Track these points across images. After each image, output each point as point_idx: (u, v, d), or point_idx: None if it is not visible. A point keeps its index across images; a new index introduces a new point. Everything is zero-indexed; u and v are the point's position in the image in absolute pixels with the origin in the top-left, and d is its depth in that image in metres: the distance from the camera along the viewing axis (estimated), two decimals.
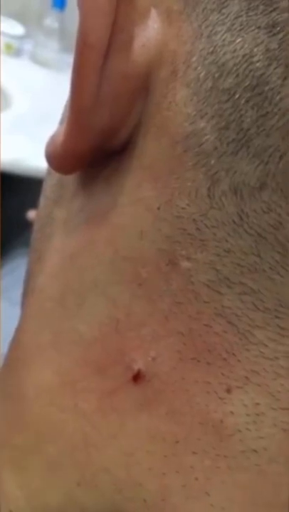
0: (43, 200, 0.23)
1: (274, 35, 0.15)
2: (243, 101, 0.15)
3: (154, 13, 0.17)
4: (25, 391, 0.19)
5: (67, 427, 0.17)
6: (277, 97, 0.14)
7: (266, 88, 0.14)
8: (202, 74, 0.16)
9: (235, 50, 0.15)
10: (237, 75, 0.15)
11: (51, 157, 0.18)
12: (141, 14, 0.17)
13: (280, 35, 0.14)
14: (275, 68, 0.14)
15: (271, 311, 0.15)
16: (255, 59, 0.15)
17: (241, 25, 0.15)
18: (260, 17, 0.15)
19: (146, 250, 0.16)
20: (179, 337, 0.16)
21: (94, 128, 0.17)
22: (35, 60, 1.28)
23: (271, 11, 0.15)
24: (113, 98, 0.17)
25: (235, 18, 0.15)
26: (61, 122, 0.21)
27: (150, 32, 0.17)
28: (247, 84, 0.15)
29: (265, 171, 0.15)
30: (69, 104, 0.17)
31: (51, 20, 1.27)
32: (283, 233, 0.15)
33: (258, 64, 0.15)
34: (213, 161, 0.15)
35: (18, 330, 0.21)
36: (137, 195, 0.17)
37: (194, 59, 0.16)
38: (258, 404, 0.16)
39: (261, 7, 0.15)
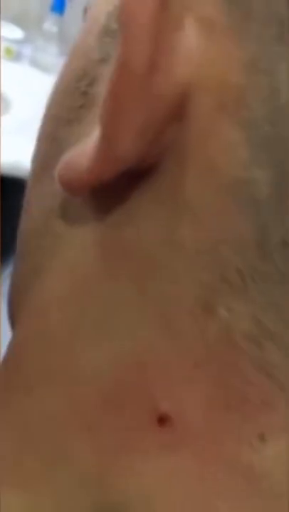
0: (34, 209, 0.21)
1: None
2: None
3: (189, 20, 0.15)
4: (29, 419, 0.18)
5: (80, 458, 0.17)
6: None
7: None
8: (260, 117, 0.14)
9: None
10: None
11: (71, 184, 0.17)
12: (175, 21, 0.14)
13: None
14: None
15: None
16: None
17: None
18: None
19: (178, 294, 0.15)
20: (211, 384, 0.15)
21: (126, 156, 0.15)
22: (35, 64, 1.27)
23: None
24: (146, 123, 0.15)
25: None
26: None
27: (186, 45, 0.14)
28: None
29: None
30: (101, 131, 0.15)
31: (50, 25, 1.26)
32: None
33: None
34: (265, 213, 0.14)
35: (16, 352, 0.19)
36: (171, 234, 0.15)
37: (250, 96, 0.14)
38: None
39: None
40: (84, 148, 0.16)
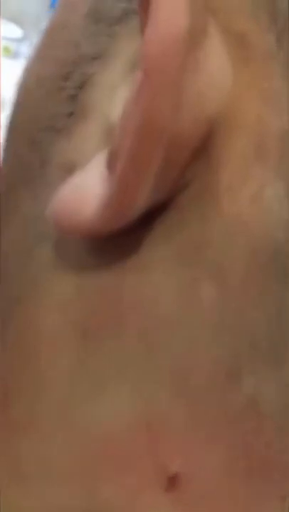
0: (14, 228, 0.18)
1: None
2: None
3: (216, 38, 0.12)
4: (24, 468, 0.16)
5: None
6: None
7: None
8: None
9: None
10: None
11: (72, 228, 0.14)
12: (196, 38, 0.12)
13: None
14: None
15: None
16: None
17: None
18: None
19: (198, 357, 0.14)
20: (230, 449, 0.14)
21: (142, 204, 0.13)
22: None
23: None
24: (166, 165, 0.13)
25: None
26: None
27: (211, 70, 0.12)
28: None
29: None
30: (116, 179, 0.13)
31: None
32: None
33: None
34: None
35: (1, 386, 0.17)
36: (191, 291, 0.14)
37: None
38: None
39: None
40: (87, 186, 0.14)
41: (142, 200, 0.13)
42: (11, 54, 1.29)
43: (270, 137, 0.12)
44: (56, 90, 0.16)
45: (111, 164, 0.13)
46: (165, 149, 0.12)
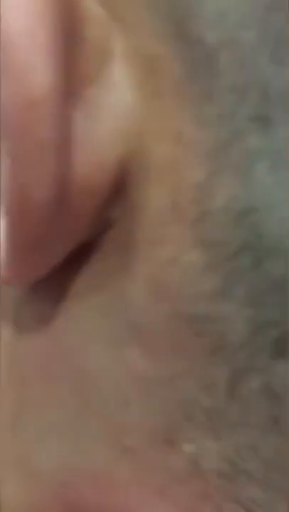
0: None
1: None
2: None
3: (122, 66, 0.11)
4: None
5: None
6: None
7: None
8: (232, 241, 0.11)
9: None
10: None
11: None
12: (97, 60, 0.11)
13: None
14: None
15: None
16: None
17: None
18: None
19: (134, 421, 0.13)
20: (180, 510, 0.14)
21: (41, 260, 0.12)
22: None
23: None
24: (72, 214, 0.12)
25: None
26: None
27: (113, 110, 0.11)
28: None
29: None
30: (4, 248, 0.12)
31: None
32: None
33: None
34: (241, 357, 0.12)
35: None
36: (120, 354, 0.13)
37: (217, 208, 0.11)
38: None
39: None
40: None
41: (43, 257, 0.12)
42: None
43: (186, 193, 0.11)
44: None
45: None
46: (55, 212, 0.11)
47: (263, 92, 0.10)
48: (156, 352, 0.12)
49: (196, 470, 0.13)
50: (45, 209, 0.11)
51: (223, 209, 0.11)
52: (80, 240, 0.12)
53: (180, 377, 0.12)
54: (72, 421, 0.14)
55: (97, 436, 0.14)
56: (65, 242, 0.12)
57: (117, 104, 0.11)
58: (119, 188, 0.12)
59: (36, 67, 0.10)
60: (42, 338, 0.14)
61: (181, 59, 0.11)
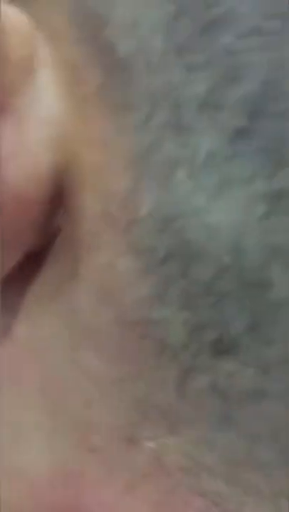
0: None
1: (281, 209, 0.10)
2: (230, 301, 0.11)
3: (48, 73, 0.11)
4: None
5: None
6: (287, 304, 0.11)
7: (270, 293, 0.11)
8: (159, 247, 0.11)
9: (214, 228, 0.11)
10: (221, 268, 0.11)
11: None
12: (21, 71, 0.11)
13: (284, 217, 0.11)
14: (283, 264, 0.11)
15: (267, 496, 0.13)
16: (247, 245, 0.11)
17: (223, 181, 0.11)
18: (260, 179, 0.11)
19: (96, 421, 0.14)
20: (150, 505, 0.14)
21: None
22: None
23: (282, 171, 0.10)
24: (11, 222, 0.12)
25: (211, 164, 0.11)
26: None
27: (39, 121, 0.11)
28: (235, 281, 0.11)
29: (267, 381, 0.12)
30: None
31: None
32: (286, 435, 0.12)
33: (253, 255, 0.11)
34: (185, 357, 0.12)
35: None
36: (75, 358, 0.13)
37: (143, 215, 0.11)
38: None
39: (263, 156, 0.10)
40: None
41: None
42: None
43: (115, 201, 0.11)
44: None
45: None
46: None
47: (175, 99, 0.10)
48: (107, 354, 0.13)
49: (160, 466, 0.14)
50: None
51: (149, 216, 0.11)
52: (27, 248, 0.13)
53: (131, 378, 0.13)
54: (42, 422, 0.15)
55: (65, 436, 0.15)
56: (9, 253, 0.12)
57: (44, 113, 0.11)
58: (58, 197, 0.12)
59: None
60: (9, 344, 0.15)
61: (100, 66, 0.11)
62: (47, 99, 0.11)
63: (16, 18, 0.11)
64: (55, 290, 0.13)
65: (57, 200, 0.12)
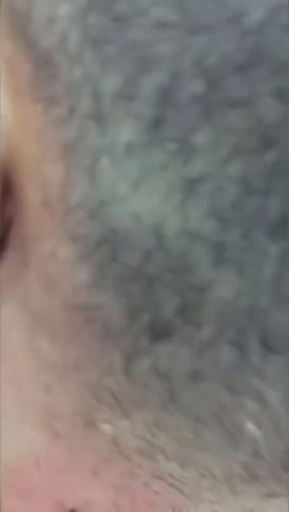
0: None
1: (196, 196, 0.11)
2: (158, 284, 0.12)
3: None
4: None
5: None
6: (210, 287, 0.12)
7: (193, 275, 0.11)
8: (93, 236, 0.12)
9: (137, 214, 0.11)
10: (145, 252, 0.12)
11: None
12: None
13: (204, 203, 0.11)
14: (200, 251, 0.11)
15: (220, 479, 0.14)
16: (168, 231, 0.11)
17: (143, 169, 0.11)
18: (174, 167, 0.11)
19: (56, 406, 0.14)
20: (113, 489, 0.15)
21: None
22: None
23: (193, 160, 0.11)
24: None
25: (131, 152, 0.11)
26: None
27: None
28: (161, 265, 0.12)
29: (201, 362, 0.12)
30: None
31: None
32: (228, 417, 0.13)
33: (174, 241, 0.11)
34: (127, 340, 0.13)
35: None
36: (32, 344, 0.14)
37: (75, 204, 0.12)
38: None
39: (173, 147, 0.11)
40: None
41: None
42: None
43: (52, 191, 0.12)
44: None
45: None
46: None
47: (94, 90, 0.11)
48: (60, 340, 0.14)
49: (118, 449, 0.14)
50: None
51: (80, 205, 0.12)
52: None
53: (82, 362, 0.14)
54: (12, 409, 0.16)
55: (33, 423, 0.15)
56: None
57: None
58: (8, 188, 0.13)
59: None
60: None
61: (30, 61, 0.12)
62: None
63: None
64: (12, 279, 0.14)
65: (8, 191, 0.13)
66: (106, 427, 0.14)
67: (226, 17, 0.11)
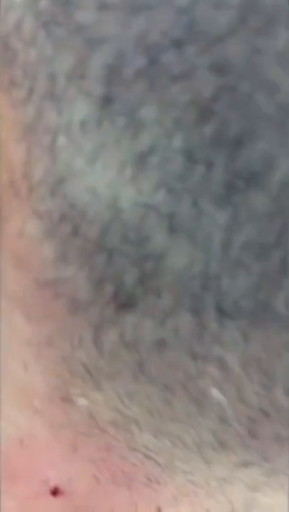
0: None
1: (146, 168, 0.12)
2: (118, 255, 0.13)
3: None
4: None
5: None
6: (165, 256, 0.12)
7: (149, 245, 0.12)
8: (55, 211, 0.13)
9: (94, 188, 0.12)
10: (104, 225, 0.12)
11: None
12: None
13: (154, 175, 0.12)
14: (154, 222, 0.12)
15: (192, 447, 0.14)
16: (123, 204, 0.12)
17: (97, 146, 0.12)
18: (125, 141, 0.12)
19: (34, 383, 0.15)
20: (92, 464, 0.15)
21: None
22: None
23: (141, 134, 0.12)
24: None
25: (85, 130, 0.12)
26: None
27: None
28: (119, 237, 0.12)
29: (163, 330, 0.13)
30: None
31: None
32: (194, 385, 0.13)
33: (128, 213, 0.12)
34: (94, 312, 0.13)
35: None
36: (10, 324, 0.15)
37: (37, 181, 0.13)
38: None
39: (124, 120, 0.12)
40: None
41: None
42: None
43: (17, 170, 0.13)
44: None
45: None
46: None
47: (49, 72, 0.12)
48: (33, 317, 0.14)
49: (95, 423, 0.15)
50: None
51: (42, 182, 0.13)
52: None
53: (55, 338, 0.14)
54: None
55: (13, 402, 0.16)
56: None
57: None
58: None
59: None
60: None
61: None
62: None
63: None
64: None
65: None
66: (82, 401, 0.15)
67: None
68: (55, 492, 0.16)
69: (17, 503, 0.17)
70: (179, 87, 0.11)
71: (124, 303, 0.13)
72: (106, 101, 0.12)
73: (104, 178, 0.12)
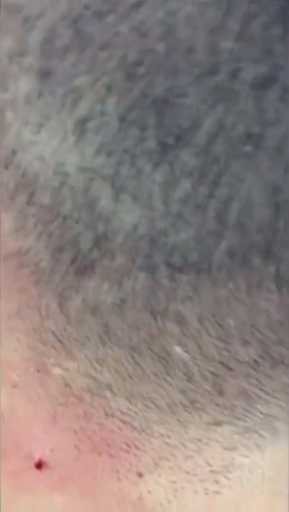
0: None
1: (86, 134, 0.13)
2: (71, 221, 0.13)
3: None
4: None
5: None
6: (113, 218, 0.13)
7: (98, 208, 0.13)
8: (8, 182, 0.14)
9: (42, 157, 0.13)
10: (54, 191, 0.13)
11: None
12: None
13: (94, 139, 0.13)
14: (99, 185, 0.13)
15: (165, 409, 0.15)
16: (69, 169, 0.13)
17: (41, 117, 0.13)
18: (66, 110, 0.13)
19: (9, 356, 0.16)
20: (72, 434, 0.16)
21: None
22: None
23: (79, 102, 0.13)
24: None
25: (29, 103, 0.13)
26: None
27: None
28: (70, 202, 0.13)
29: (122, 291, 0.14)
30: None
31: None
32: (158, 343, 0.14)
33: (75, 178, 0.13)
34: (57, 280, 0.14)
35: None
36: None
37: None
38: (174, 481, 0.16)
39: (62, 90, 0.13)
40: None
41: None
42: None
43: None
44: None
45: None
46: None
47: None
48: (2, 290, 0.15)
49: (71, 391, 0.15)
50: None
51: None
52: None
53: (24, 309, 0.15)
54: None
55: None
56: None
57: None
58: None
59: None
60: None
61: None
62: None
63: None
64: None
65: None
66: (56, 370, 0.15)
67: None
68: (39, 465, 0.16)
69: (4, 480, 0.17)
70: (106, 53, 0.12)
71: (83, 268, 0.14)
72: (45, 74, 0.12)
73: (50, 146, 0.13)
